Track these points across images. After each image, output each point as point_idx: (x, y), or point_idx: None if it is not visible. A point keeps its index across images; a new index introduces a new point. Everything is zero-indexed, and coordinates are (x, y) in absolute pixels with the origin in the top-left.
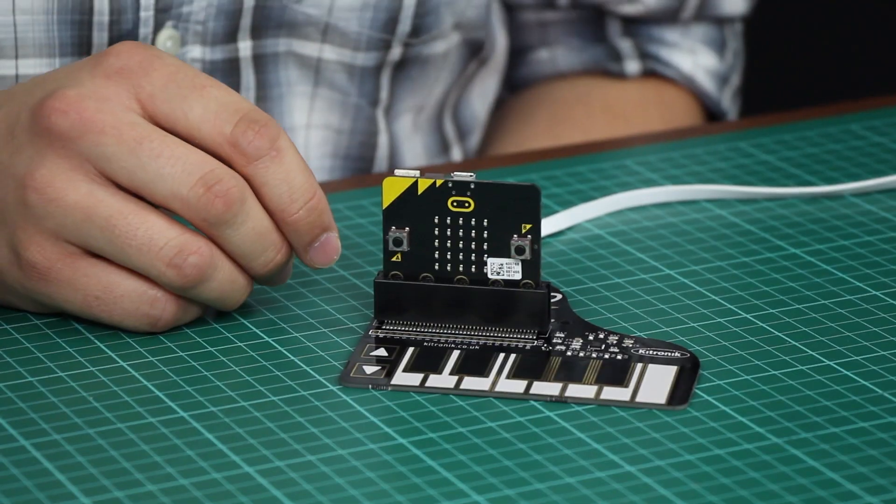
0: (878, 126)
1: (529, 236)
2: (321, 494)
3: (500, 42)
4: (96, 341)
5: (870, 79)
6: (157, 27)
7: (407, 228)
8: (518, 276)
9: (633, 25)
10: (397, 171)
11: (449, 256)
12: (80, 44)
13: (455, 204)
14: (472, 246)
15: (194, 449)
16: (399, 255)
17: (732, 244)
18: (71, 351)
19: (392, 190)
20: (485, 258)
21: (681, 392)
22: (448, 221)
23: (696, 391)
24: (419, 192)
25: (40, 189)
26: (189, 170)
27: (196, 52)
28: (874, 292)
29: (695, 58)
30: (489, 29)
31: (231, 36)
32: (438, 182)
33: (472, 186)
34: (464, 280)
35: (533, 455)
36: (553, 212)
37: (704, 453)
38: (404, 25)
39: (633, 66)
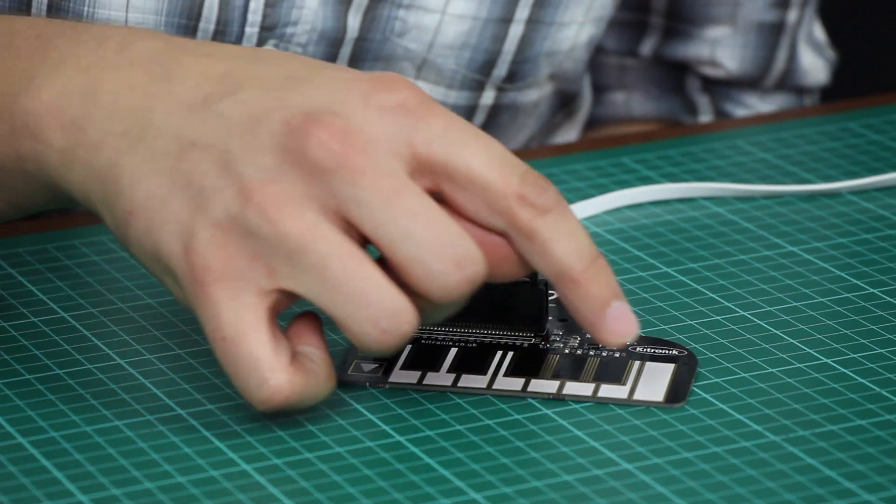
0: (876, 124)
1: None
2: (319, 492)
3: (587, 96)
4: (94, 339)
5: (867, 77)
6: (259, 44)
7: None
8: None
9: (713, 85)
10: None
11: None
12: None
13: None
14: None
15: (192, 446)
16: None
17: (730, 242)
18: (68, 348)
19: None
20: None
21: (678, 390)
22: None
23: (694, 389)
24: None
25: (264, 206)
26: (444, 241)
27: None
28: (872, 290)
29: None
30: (582, 83)
31: None
32: None
33: None
34: None
35: (530, 452)
36: None
37: (702, 451)
38: (500, 70)
39: (706, 121)
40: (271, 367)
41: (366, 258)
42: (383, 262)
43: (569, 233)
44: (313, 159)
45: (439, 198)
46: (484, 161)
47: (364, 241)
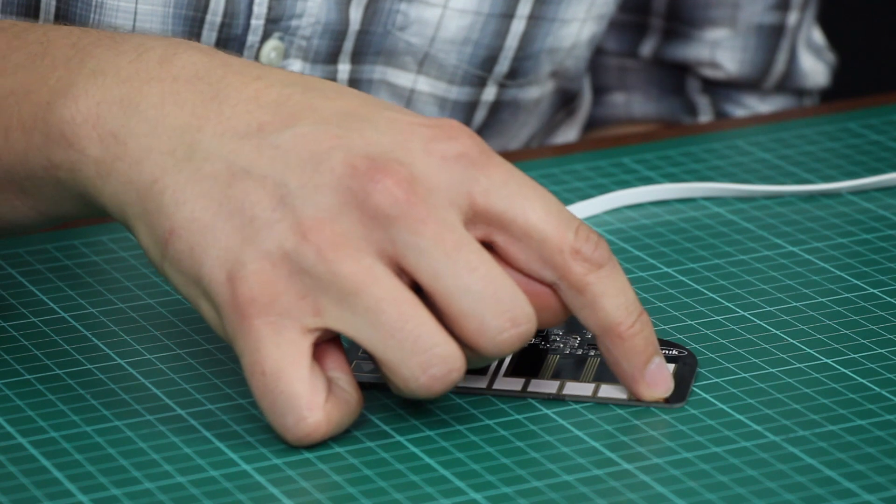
0: (876, 124)
1: None
2: (319, 492)
3: (587, 96)
4: (94, 339)
5: (867, 77)
6: (265, 37)
7: None
8: None
9: (713, 86)
10: None
11: None
12: (189, 40)
13: None
14: None
15: (192, 447)
16: None
17: (730, 242)
18: (68, 349)
19: None
20: None
21: (678, 390)
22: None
23: (694, 389)
24: None
25: (321, 246)
26: (501, 297)
27: (296, 66)
28: (872, 290)
29: None
30: (583, 82)
31: (333, 57)
32: None
33: None
34: None
35: (530, 453)
36: None
37: (702, 451)
38: (502, 66)
39: (705, 121)
40: (310, 405)
41: (420, 305)
42: (434, 312)
43: (619, 289)
44: (376, 205)
45: (489, 247)
46: (541, 214)
47: (415, 289)
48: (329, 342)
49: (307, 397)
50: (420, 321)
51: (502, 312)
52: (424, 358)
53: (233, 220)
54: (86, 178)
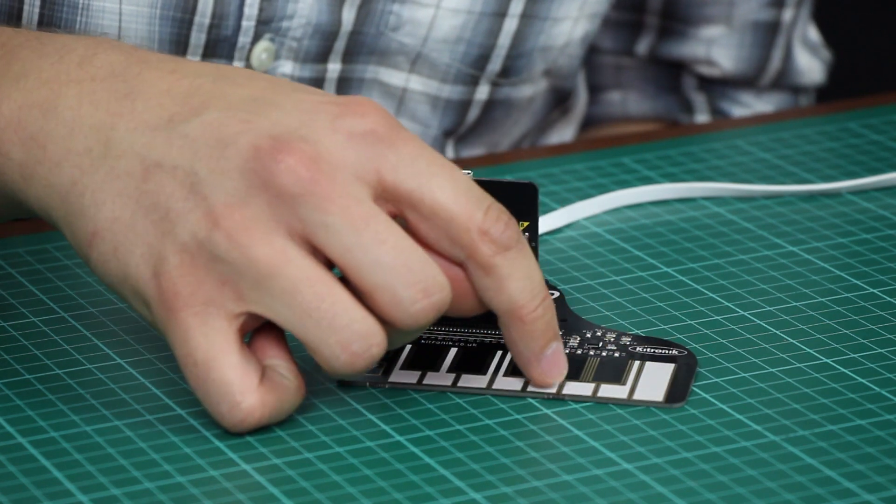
0: (876, 124)
1: (527, 234)
2: (319, 492)
3: (582, 95)
4: (94, 339)
5: (866, 77)
6: (256, 38)
7: None
8: None
9: (709, 84)
10: None
11: None
12: (177, 42)
13: None
14: None
15: (192, 446)
16: None
17: (730, 242)
18: (68, 348)
19: None
20: None
21: (678, 390)
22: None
23: (694, 389)
24: None
25: (232, 232)
26: (412, 268)
27: (287, 67)
28: (872, 290)
29: None
30: (577, 80)
31: (323, 57)
32: None
33: None
34: None
35: (530, 452)
36: (551, 209)
37: (702, 451)
38: (494, 64)
39: (702, 119)
40: (242, 391)
41: (335, 282)
42: (349, 287)
43: (525, 272)
44: (281, 184)
45: (402, 224)
46: (449, 193)
47: (330, 266)
48: (268, 330)
49: (239, 383)
50: (335, 299)
51: (414, 283)
52: (343, 336)
53: (150, 216)
54: (12, 183)
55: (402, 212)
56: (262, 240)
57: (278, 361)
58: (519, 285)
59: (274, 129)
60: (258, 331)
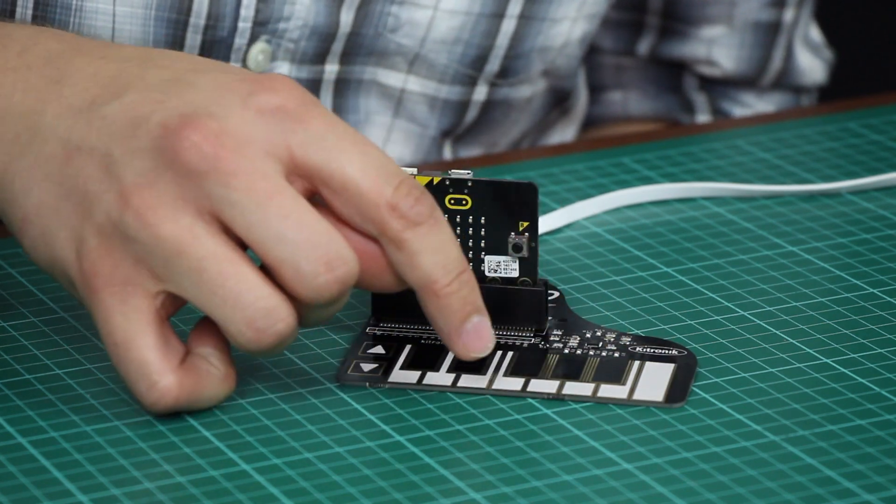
0: (876, 124)
1: (527, 234)
2: (318, 492)
3: (583, 95)
4: (93, 339)
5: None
6: (252, 39)
7: None
8: (515, 274)
9: (710, 84)
10: None
11: None
12: (172, 43)
13: (452, 202)
14: (470, 244)
15: (192, 446)
16: None
17: (730, 242)
18: (68, 348)
19: None
20: (482, 256)
21: (678, 390)
22: (445, 219)
23: (694, 389)
24: None
25: (140, 211)
26: (315, 242)
27: (284, 68)
28: (872, 290)
29: None
30: (576, 80)
31: (320, 58)
32: (436, 179)
33: (470, 184)
34: None
35: (530, 452)
36: (551, 209)
37: (702, 451)
38: (493, 65)
39: (703, 119)
40: (159, 370)
41: (241, 260)
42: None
43: (437, 246)
44: (186, 161)
45: (319, 200)
46: (358, 168)
47: (243, 243)
48: (208, 320)
49: (157, 363)
50: (241, 277)
51: (317, 257)
52: (248, 313)
53: (72, 199)
54: None
55: (317, 188)
56: (170, 218)
57: (210, 350)
58: (431, 260)
59: (185, 108)
60: (199, 322)
